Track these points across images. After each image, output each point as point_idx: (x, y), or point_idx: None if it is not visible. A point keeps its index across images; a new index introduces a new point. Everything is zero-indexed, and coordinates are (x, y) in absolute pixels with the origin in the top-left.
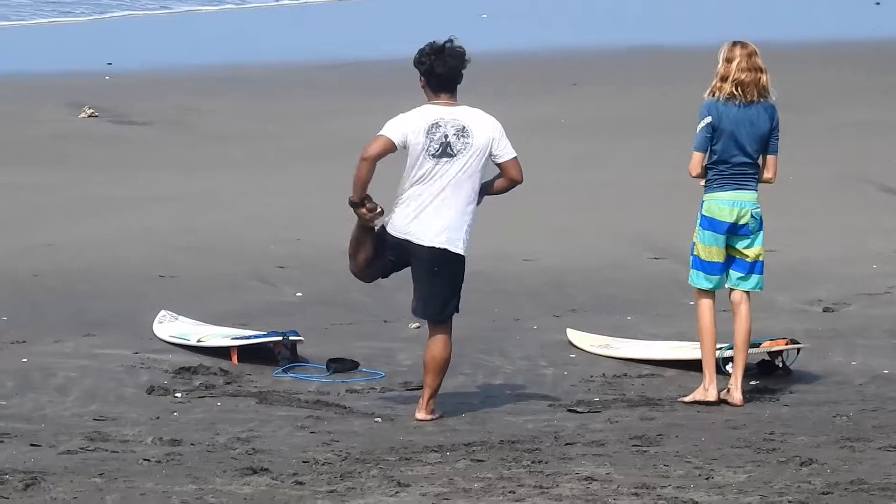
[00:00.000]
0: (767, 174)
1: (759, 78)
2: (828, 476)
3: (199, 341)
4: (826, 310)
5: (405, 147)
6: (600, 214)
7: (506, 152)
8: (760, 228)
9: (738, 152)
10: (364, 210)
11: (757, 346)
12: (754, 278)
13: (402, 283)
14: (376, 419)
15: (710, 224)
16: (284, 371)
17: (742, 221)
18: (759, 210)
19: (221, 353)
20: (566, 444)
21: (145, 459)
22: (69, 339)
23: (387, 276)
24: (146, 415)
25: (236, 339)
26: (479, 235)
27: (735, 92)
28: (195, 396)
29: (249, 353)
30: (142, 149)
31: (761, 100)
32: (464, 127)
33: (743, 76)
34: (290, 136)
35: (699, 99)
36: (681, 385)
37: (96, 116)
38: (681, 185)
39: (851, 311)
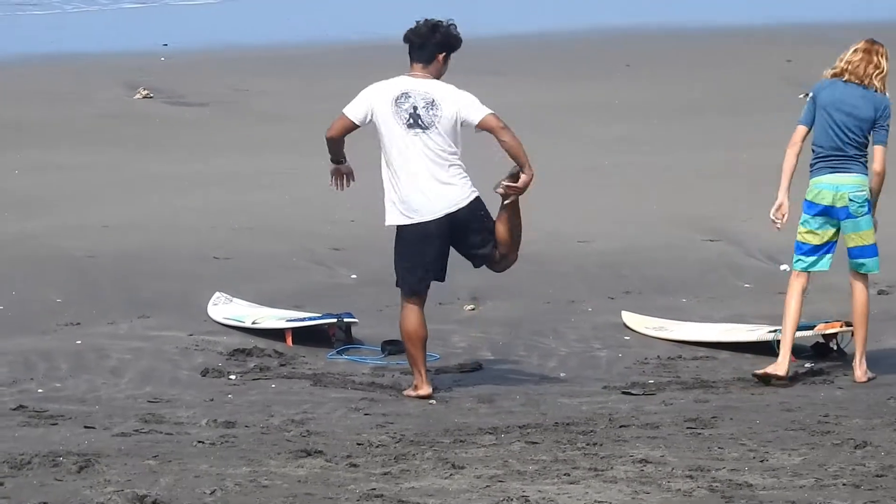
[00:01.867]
0: (874, 165)
1: (873, 65)
2: (882, 458)
3: (253, 323)
4: (881, 292)
5: (369, 120)
6: (654, 196)
7: (477, 112)
8: (866, 212)
9: (832, 134)
10: (338, 167)
11: (811, 328)
12: (864, 261)
13: (456, 262)
14: (430, 401)
15: (806, 206)
16: (339, 353)
17: (839, 204)
18: (860, 193)
19: (276, 335)
20: (620, 427)
21: (199, 441)
22: (123, 320)
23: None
24: (200, 397)
25: (291, 321)
26: (532, 217)
27: (844, 68)
28: (249, 378)
29: (304, 335)
30: (196, 129)
31: (871, 88)
32: (433, 100)
33: (856, 58)
34: None
35: (752, 81)
36: (735, 367)
37: (151, 97)
38: (735, 167)
39: None
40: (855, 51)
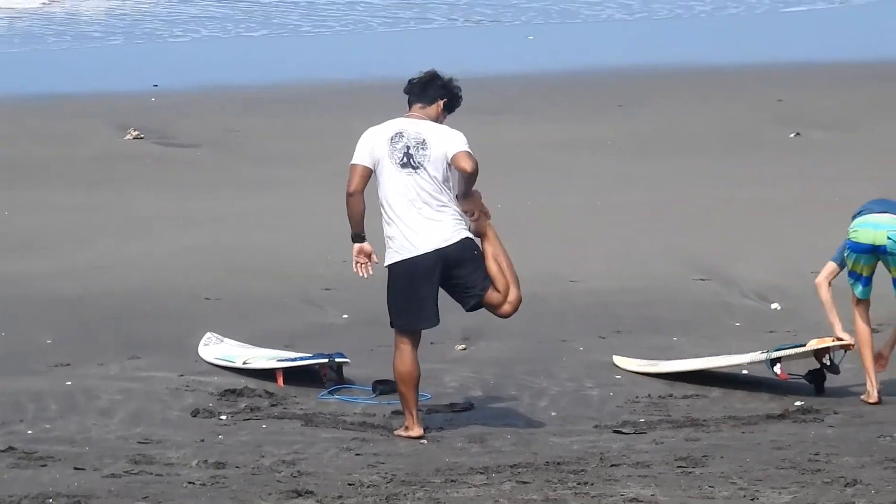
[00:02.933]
0: None
1: None
2: (872, 497)
3: (244, 363)
4: (873, 331)
5: (377, 163)
6: (645, 235)
7: (455, 147)
8: None
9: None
10: (361, 246)
11: (803, 345)
12: None
13: (448, 302)
14: (422, 441)
15: (852, 245)
16: (330, 393)
17: (878, 243)
18: None
19: (267, 375)
20: (612, 466)
21: (190, 482)
22: (114, 361)
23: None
24: (191, 437)
25: (282, 361)
26: (526, 257)
27: None
28: (240, 419)
29: (295, 375)
30: (187, 170)
31: None
32: (424, 140)
33: None
34: (335, 156)
35: (744, 120)
36: (725, 406)
37: (142, 138)
38: (727, 206)
39: None
40: None
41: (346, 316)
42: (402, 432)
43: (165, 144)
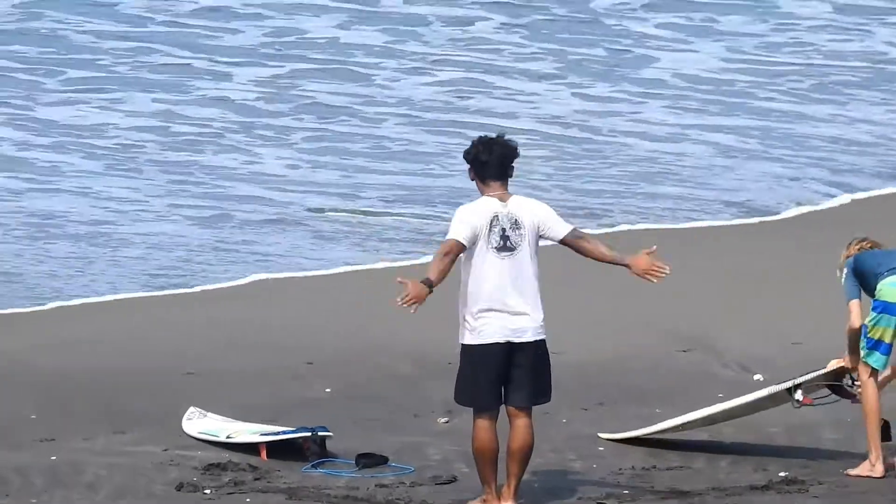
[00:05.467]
0: None
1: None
2: None
3: (228, 437)
4: (856, 401)
5: (474, 243)
6: (626, 306)
7: (559, 230)
8: None
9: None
10: (428, 293)
11: (823, 368)
12: None
13: (431, 375)
14: None
15: (884, 307)
16: (314, 466)
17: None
18: None
19: (250, 449)
20: None
21: None
22: (98, 436)
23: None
24: None
25: (265, 435)
26: None
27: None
28: (224, 493)
29: (279, 449)
30: None
31: None
32: (516, 220)
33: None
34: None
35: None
36: (709, 476)
37: None
38: (707, 276)
39: (882, 402)
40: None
41: (328, 389)
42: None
43: None
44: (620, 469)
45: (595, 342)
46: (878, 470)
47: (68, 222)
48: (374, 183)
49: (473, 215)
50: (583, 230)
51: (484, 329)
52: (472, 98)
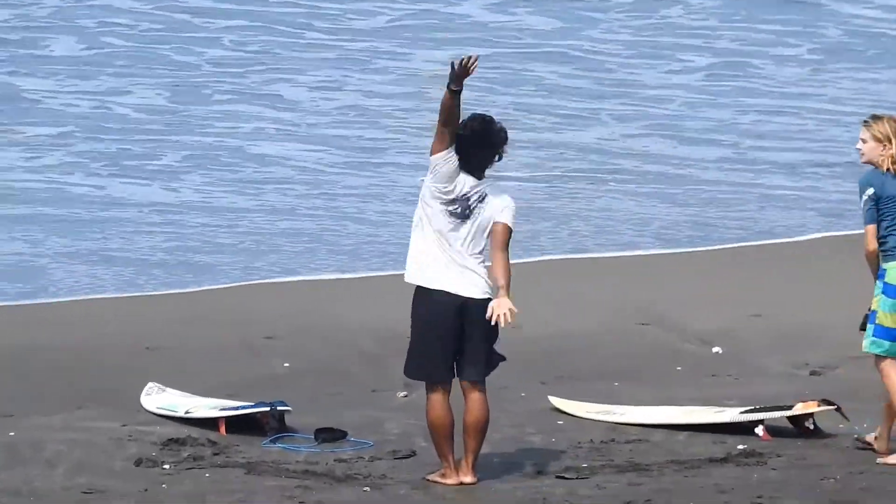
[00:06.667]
0: None
1: None
2: None
3: (186, 413)
4: (813, 373)
5: (437, 169)
6: (586, 282)
7: (504, 217)
8: None
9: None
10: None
11: (789, 408)
12: None
13: (391, 351)
14: (365, 489)
15: (893, 290)
16: (272, 441)
17: None
18: None
19: (209, 424)
20: None
21: None
22: (57, 412)
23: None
24: (135, 487)
25: (224, 409)
26: None
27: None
28: (183, 468)
29: (237, 424)
30: None
31: None
32: (485, 196)
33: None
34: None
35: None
36: (668, 450)
37: None
38: (668, 252)
39: (839, 374)
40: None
41: (287, 364)
42: (436, 478)
43: None
44: (579, 443)
45: (554, 317)
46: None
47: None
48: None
49: (460, 174)
50: (509, 240)
51: (436, 278)
52: None
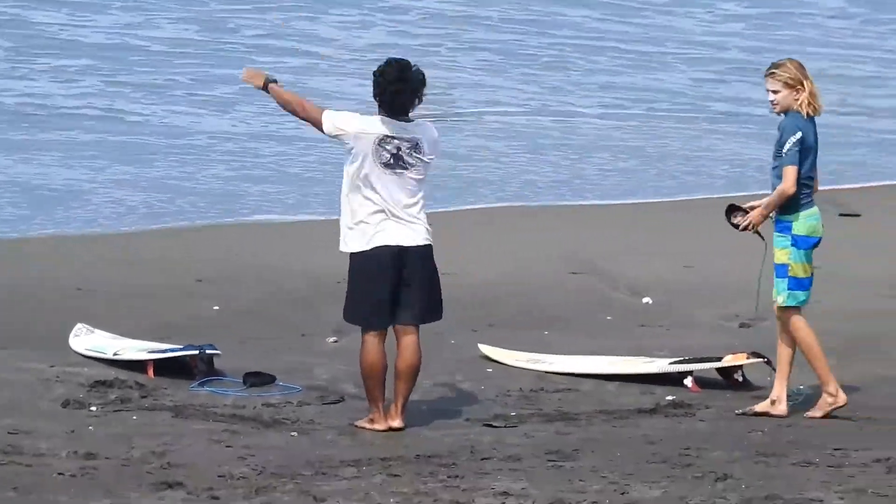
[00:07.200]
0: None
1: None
2: (743, 491)
3: (115, 354)
4: (742, 325)
5: (339, 138)
6: (518, 230)
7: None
8: None
9: (813, 167)
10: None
11: (719, 359)
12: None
13: (322, 296)
14: (292, 434)
15: (805, 242)
16: (200, 385)
17: (820, 234)
18: None
19: (137, 366)
20: (482, 459)
21: (59, 473)
22: None
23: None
24: (61, 428)
25: (152, 352)
26: None
27: (814, 108)
28: (111, 410)
29: (166, 367)
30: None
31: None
32: (417, 143)
33: (817, 90)
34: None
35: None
36: (598, 399)
37: None
38: (602, 203)
39: (768, 326)
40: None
41: (216, 307)
42: (364, 423)
43: None
44: (508, 391)
45: (487, 265)
46: (842, 398)
47: None
48: None
49: (360, 125)
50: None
51: (373, 237)
52: None
